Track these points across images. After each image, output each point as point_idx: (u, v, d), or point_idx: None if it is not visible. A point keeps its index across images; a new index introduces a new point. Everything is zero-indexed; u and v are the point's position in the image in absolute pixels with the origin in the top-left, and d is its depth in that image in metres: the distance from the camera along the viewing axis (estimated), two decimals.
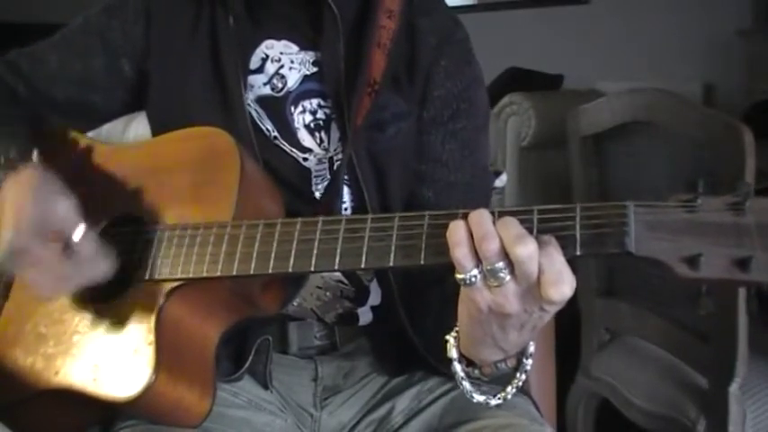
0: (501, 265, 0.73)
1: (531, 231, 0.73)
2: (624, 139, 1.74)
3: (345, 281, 1.05)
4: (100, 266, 0.87)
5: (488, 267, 0.73)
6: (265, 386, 1.06)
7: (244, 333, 1.04)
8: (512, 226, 0.73)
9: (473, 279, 0.75)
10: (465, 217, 0.76)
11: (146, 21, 1.09)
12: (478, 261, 0.74)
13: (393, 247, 0.79)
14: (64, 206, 0.88)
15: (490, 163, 1.16)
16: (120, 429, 0.98)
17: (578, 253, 0.73)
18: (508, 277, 0.74)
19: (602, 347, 1.94)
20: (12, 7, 5.10)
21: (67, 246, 0.86)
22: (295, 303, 1.05)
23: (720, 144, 1.44)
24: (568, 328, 1.65)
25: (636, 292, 1.81)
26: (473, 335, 0.80)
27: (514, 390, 0.84)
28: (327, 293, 1.05)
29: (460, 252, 0.74)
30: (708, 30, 4.03)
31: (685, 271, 0.70)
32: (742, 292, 1.45)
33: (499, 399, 0.84)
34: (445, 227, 0.76)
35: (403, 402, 1.05)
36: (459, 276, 0.75)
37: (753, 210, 0.70)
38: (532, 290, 0.74)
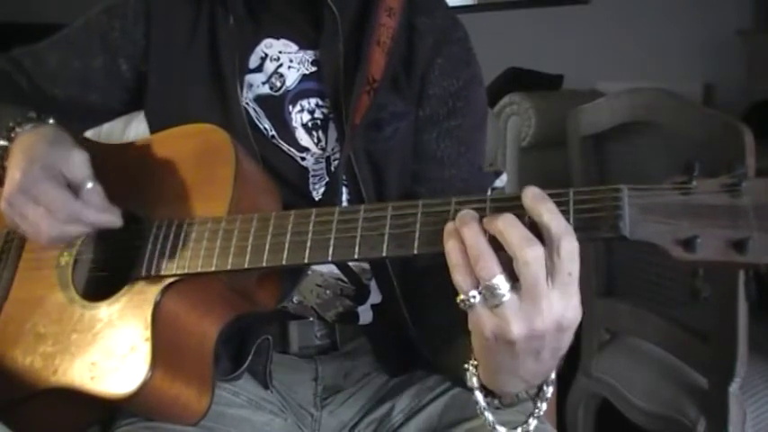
0: (497, 281, 0.70)
1: (522, 217, 0.71)
2: (624, 138, 1.74)
3: (345, 279, 1.05)
4: (107, 215, 0.90)
5: (486, 284, 0.70)
6: (265, 386, 1.06)
7: (244, 332, 1.03)
8: (515, 228, 0.70)
9: (472, 300, 0.71)
10: (460, 204, 0.74)
11: (146, 21, 1.09)
12: (477, 282, 0.71)
13: (386, 237, 0.78)
14: (79, 157, 0.91)
15: (490, 163, 1.16)
16: (119, 427, 0.98)
17: None
18: (507, 295, 0.70)
19: (602, 347, 1.94)
20: (12, 7, 5.10)
21: (78, 191, 0.89)
22: (295, 301, 1.05)
23: (720, 144, 1.43)
24: None
25: (636, 292, 1.80)
26: (488, 365, 0.77)
27: (536, 421, 0.80)
28: (327, 291, 1.05)
29: (459, 275, 0.72)
30: (708, 30, 4.03)
31: (681, 254, 0.69)
32: (741, 292, 1.45)
33: None
34: (438, 215, 0.75)
35: (403, 401, 1.05)
36: (459, 298, 0.72)
37: (749, 191, 0.68)
38: (534, 294, 0.69)
